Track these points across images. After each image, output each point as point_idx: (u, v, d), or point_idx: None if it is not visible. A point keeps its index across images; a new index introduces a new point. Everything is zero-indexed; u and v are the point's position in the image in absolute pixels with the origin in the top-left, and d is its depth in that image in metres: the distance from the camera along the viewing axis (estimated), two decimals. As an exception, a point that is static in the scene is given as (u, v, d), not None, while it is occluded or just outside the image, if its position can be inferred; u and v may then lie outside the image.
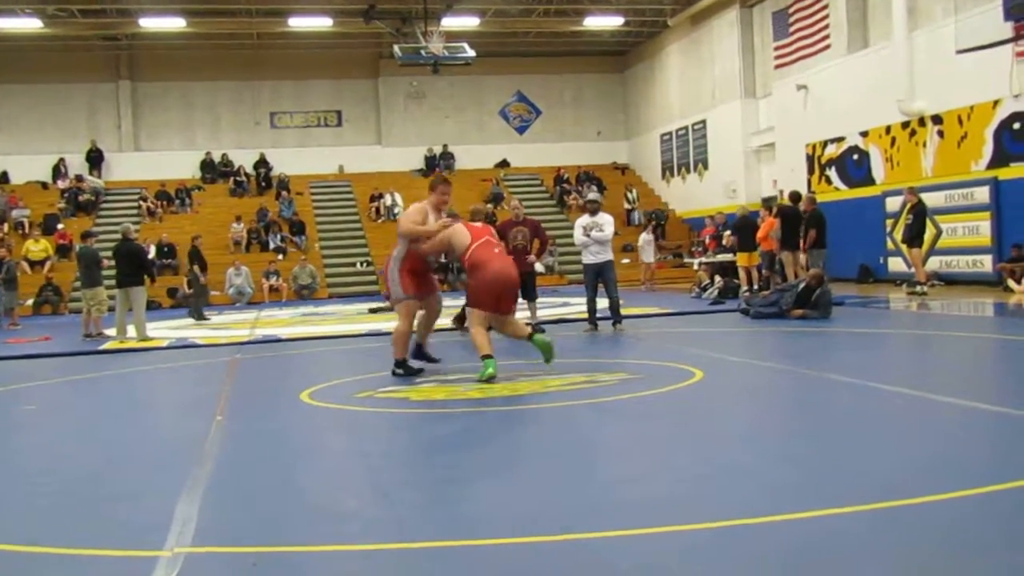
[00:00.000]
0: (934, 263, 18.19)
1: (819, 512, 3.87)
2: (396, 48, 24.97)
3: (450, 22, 26.78)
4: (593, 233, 12.23)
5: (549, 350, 8.29)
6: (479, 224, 8.86)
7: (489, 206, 11.96)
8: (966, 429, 5.57)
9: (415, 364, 8.85)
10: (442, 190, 8.69)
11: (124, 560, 3.70)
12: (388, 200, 30.26)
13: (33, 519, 4.42)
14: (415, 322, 8.95)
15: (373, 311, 18.83)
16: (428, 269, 9.03)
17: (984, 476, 4.37)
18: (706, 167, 28.99)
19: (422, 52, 24.43)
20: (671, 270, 26.91)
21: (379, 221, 29.88)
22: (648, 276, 23.03)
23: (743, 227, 17.85)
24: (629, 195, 30.82)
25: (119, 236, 15.01)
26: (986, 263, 17.47)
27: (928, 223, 16.90)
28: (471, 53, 24.65)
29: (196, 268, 19.11)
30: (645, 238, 23.44)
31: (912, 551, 3.46)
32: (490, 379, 7.82)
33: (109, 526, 4.24)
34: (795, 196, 16.02)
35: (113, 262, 14.71)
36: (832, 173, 22.10)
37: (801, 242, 15.46)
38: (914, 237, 16.25)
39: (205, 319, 18.25)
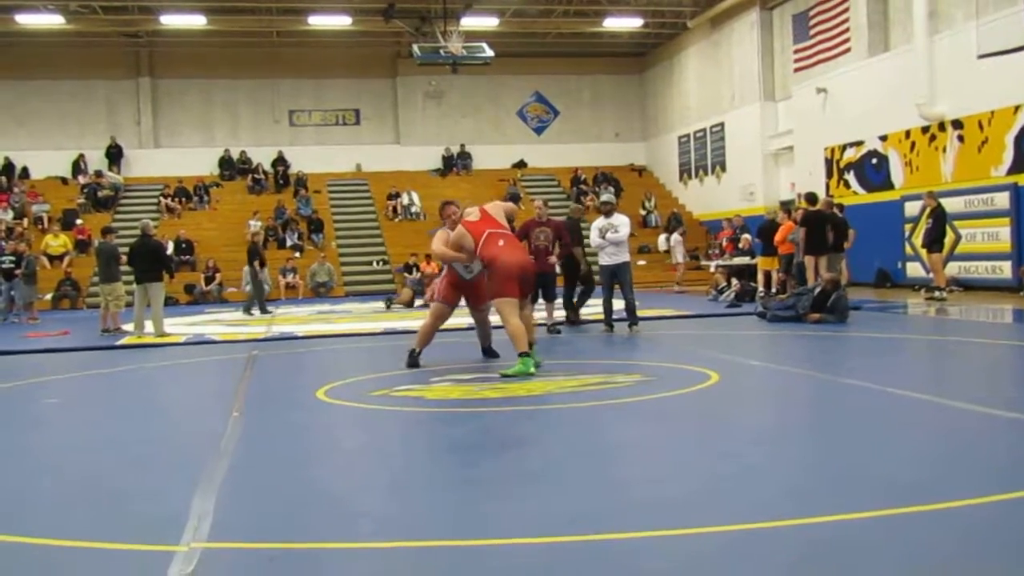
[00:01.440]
0: (953, 268, 18.08)
1: (835, 516, 3.86)
2: (415, 47, 25.00)
3: (469, 22, 26.78)
4: (608, 235, 12.23)
5: (536, 364, 8.48)
6: (478, 219, 8.88)
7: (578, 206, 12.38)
8: (983, 435, 5.54)
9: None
10: (443, 212, 9.58)
11: (141, 554, 3.72)
12: (405, 199, 30.30)
13: (51, 512, 4.46)
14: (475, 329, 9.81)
15: (388, 304, 19.87)
16: (467, 284, 9.34)
17: (1001, 482, 4.34)
18: (724, 169, 28.91)
19: (441, 52, 24.45)
20: (688, 272, 26.85)
21: (396, 220, 29.93)
22: (680, 277, 22.96)
23: (770, 231, 17.68)
24: (647, 203, 30.64)
25: (138, 232, 15.10)
26: (1005, 269, 17.36)
27: (947, 228, 16.81)
28: (490, 53, 24.65)
29: (257, 264, 19.58)
30: (676, 239, 23.37)
31: (928, 556, 3.45)
32: (526, 376, 8.06)
33: (126, 520, 4.27)
34: (811, 198, 15.89)
35: (126, 260, 14.77)
36: (851, 177, 22.00)
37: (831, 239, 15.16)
38: (934, 242, 16.15)
39: (268, 312, 18.90)
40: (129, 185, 30.60)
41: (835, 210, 16.03)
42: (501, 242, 8.68)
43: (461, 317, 10.45)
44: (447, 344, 10.29)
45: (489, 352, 9.78)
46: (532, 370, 8.20)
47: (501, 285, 8.55)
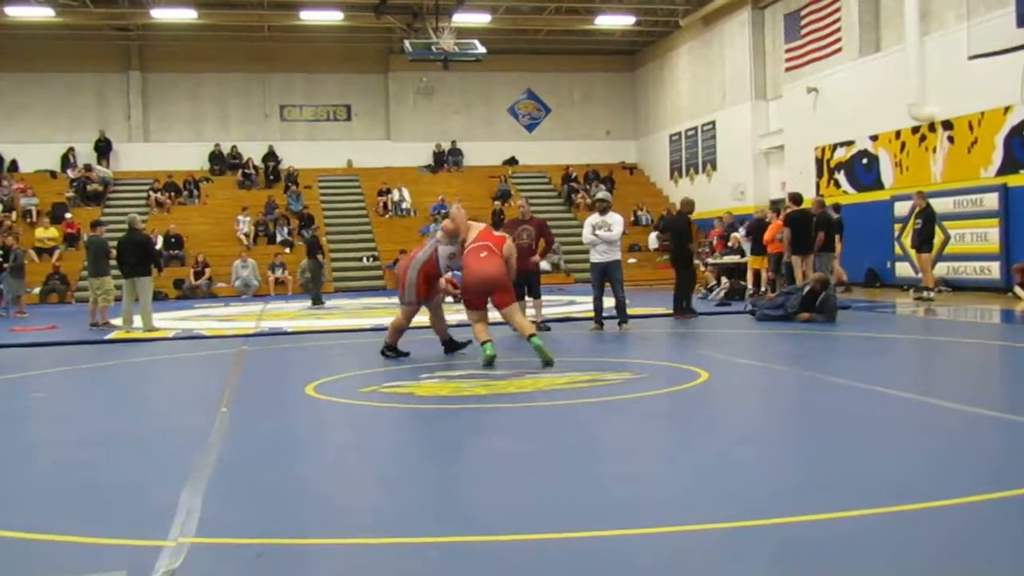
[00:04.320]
0: (942, 269, 18.14)
1: (822, 515, 3.88)
2: (407, 43, 24.95)
3: (461, 18, 26.74)
4: (600, 232, 12.22)
5: (545, 354, 8.63)
6: (484, 226, 9.67)
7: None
8: (970, 435, 5.56)
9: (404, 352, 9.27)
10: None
11: (129, 549, 3.71)
12: (396, 195, 30.27)
13: (39, 507, 4.45)
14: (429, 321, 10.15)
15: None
16: (439, 275, 9.89)
17: (987, 482, 4.36)
18: (714, 168, 28.95)
19: (432, 48, 24.39)
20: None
21: (387, 216, 29.90)
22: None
23: (759, 230, 17.72)
24: (639, 211, 30.47)
25: (126, 227, 15.04)
26: (994, 270, 17.42)
27: (936, 229, 16.85)
28: (481, 50, 24.61)
29: (319, 256, 20.32)
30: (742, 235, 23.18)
31: (914, 556, 3.46)
32: (490, 361, 8.69)
33: (114, 515, 4.25)
34: (796, 198, 15.93)
35: (115, 254, 14.70)
36: (841, 176, 22.05)
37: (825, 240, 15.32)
38: (923, 242, 16.18)
39: (322, 303, 19.49)
40: (118, 179, 30.49)
41: (830, 211, 16.08)
42: (483, 254, 9.23)
43: (450, 314, 10.47)
44: (437, 341, 10.28)
45: (451, 344, 9.99)
46: (490, 351, 8.75)
47: (465, 296, 9.33)
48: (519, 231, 12.54)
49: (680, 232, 13.99)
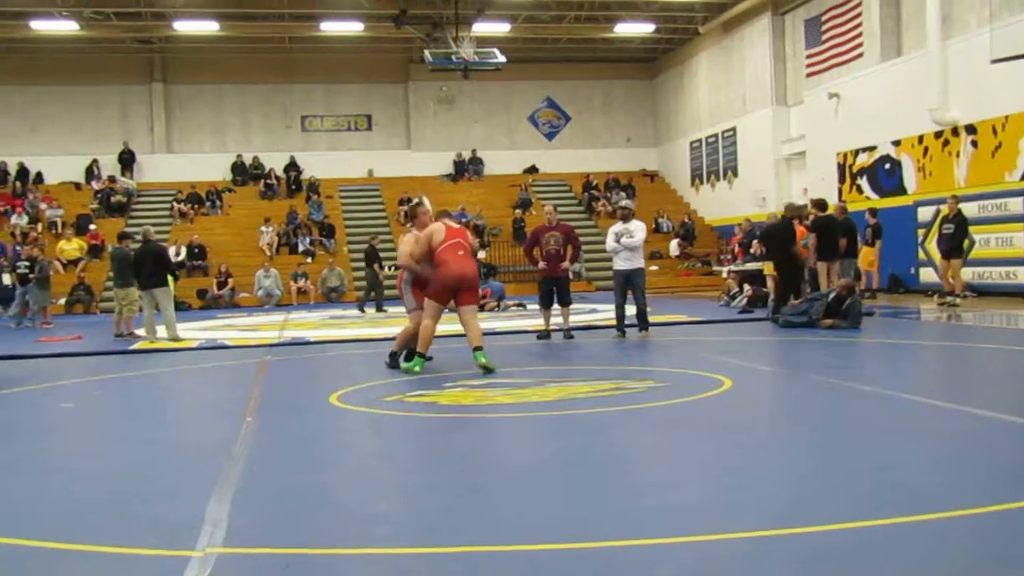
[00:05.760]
0: (967, 274, 17.94)
1: (847, 524, 3.84)
2: (427, 53, 25.03)
3: (481, 27, 26.81)
4: (624, 240, 12.26)
5: (488, 369, 8.98)
6: (457, 226, 9.66)
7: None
8: (998, 442, 5.50)
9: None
10: (417, 212, 10.07)
11: (157, 559, 3.73)
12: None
13: (66, 517, 4.47)
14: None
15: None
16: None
17: (1016, 490, 4.32)
18: (736, 175, 28.86)
19: (452, 57, 24.46)
20: (699, 278, 26.84)
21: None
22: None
23: (772, 235, 17.62)
24: (660, 219, 30.36)
25: (139, 239, 15.10)
26: (1019, 274, 17.25)
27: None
28: (501, 59, 24.66)
29: (376, 266, 20.93)
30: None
31: (940, 565, 3.43)
32: (413, 373, 9.05)
33: (141, 525, 4.28)
34: (821, 204, 15.84)
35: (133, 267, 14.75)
36: (863, 182, 21.93)
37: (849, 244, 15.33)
38: (953, 248, 16.05)
39: (384, 311, 19.88)
40: (142, 190, 30.73)
41: (868, 216, 16.05)
42: (460, 252, 9.36)
43: (449, 324, 10.48)
44: (460, 349, 10.28)
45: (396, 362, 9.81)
46: (418, 369, 9.10)
47: (434, 290, 9.30)
48: (547, 237, 12.59)
49: (785, 238, 13.99)
